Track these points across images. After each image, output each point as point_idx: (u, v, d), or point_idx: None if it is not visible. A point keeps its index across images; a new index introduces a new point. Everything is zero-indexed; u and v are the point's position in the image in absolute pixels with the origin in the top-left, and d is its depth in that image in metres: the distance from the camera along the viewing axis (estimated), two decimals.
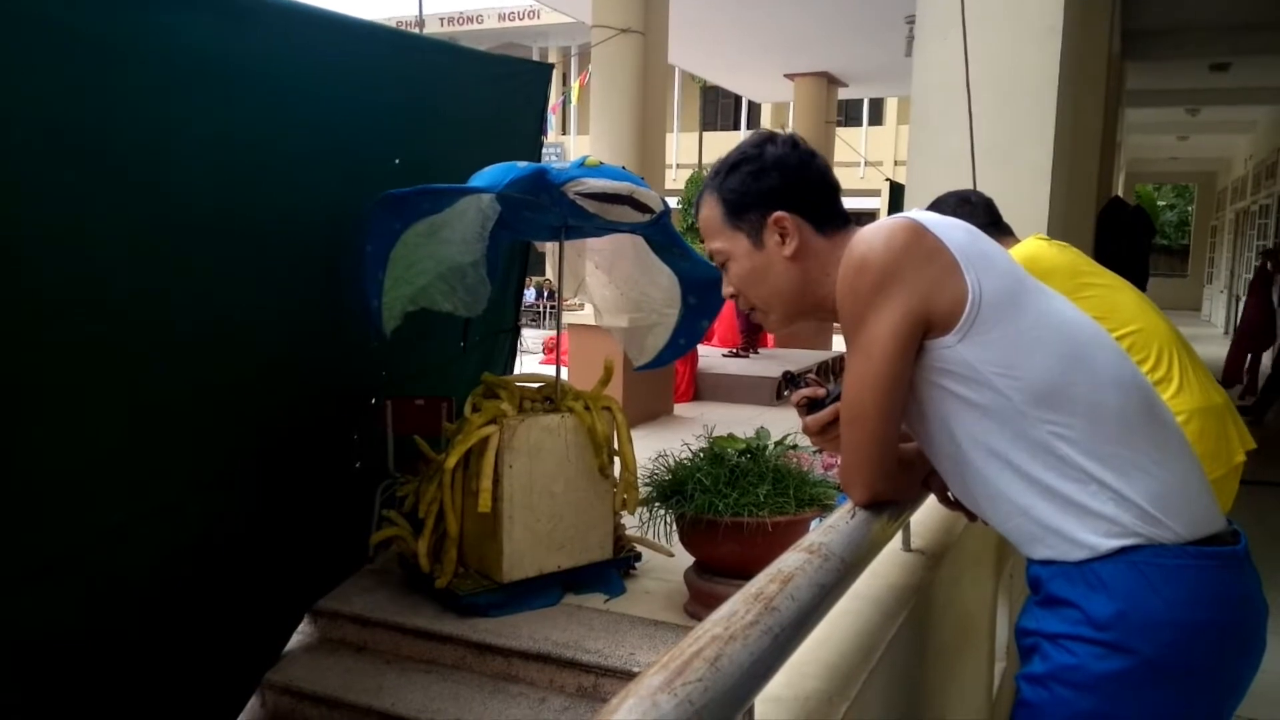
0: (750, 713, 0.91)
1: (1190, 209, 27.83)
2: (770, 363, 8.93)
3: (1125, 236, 6.69)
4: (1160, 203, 31.60)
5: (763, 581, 0.99)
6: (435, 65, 4.00)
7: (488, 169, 3.41)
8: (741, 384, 8.19)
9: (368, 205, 3.23)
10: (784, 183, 1.32)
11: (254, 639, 3.24)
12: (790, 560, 1.05)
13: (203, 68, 2.78)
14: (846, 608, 1.26)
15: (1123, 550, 1.12)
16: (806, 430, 1.39)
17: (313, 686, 3.17)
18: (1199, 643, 1.13)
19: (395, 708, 2.97)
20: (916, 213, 1.25)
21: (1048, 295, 1.24)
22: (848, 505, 1.28)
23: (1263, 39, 8.59)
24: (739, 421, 4.88)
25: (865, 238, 1.21)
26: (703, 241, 1.43)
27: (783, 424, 4.55)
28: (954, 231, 1.21)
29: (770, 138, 1.34)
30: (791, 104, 12.64)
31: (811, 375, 1.42)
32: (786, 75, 11.40)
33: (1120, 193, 15.32)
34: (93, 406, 2.55)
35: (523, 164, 3.37)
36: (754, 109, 24.66)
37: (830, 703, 1.02)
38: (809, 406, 1.37)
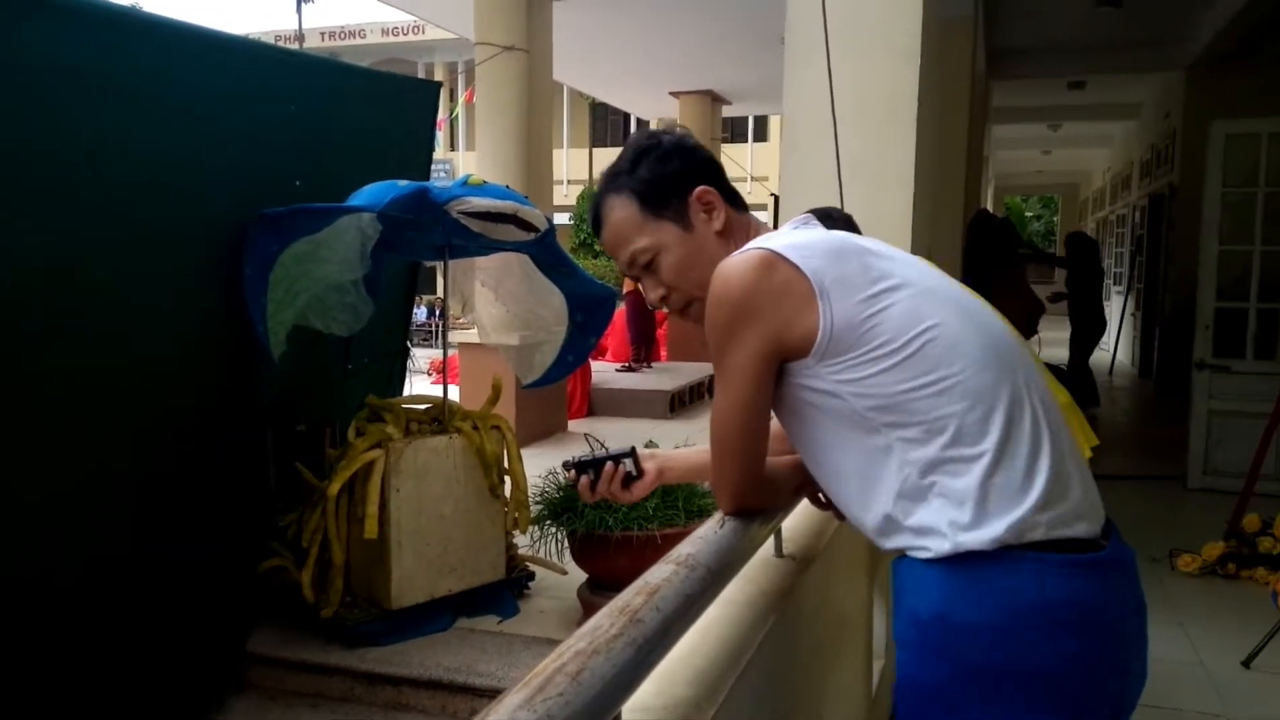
0: None
1: (1055, 219, 29.42)
2: (664, 376, 9.04)
3: (993, 247, 7.03)
4: (1028, 213, 33.28)
5: (629, 595, 1.01)
6: (326, 86, 3.93)
7: (367, 187, 3.36)
8: (635, 398, 8.25)
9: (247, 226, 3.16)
10: (690, 163, 1.36)
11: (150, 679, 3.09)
12: (658, 572, 1.08)
13: (92, 86, 2.69)
14: (718, 615, 1.29)
15: (956, 556, 1.15)
16: (580, 495, 1.49)
17: None
18: (1034, 643, 1.13)
19: None
20: (782, 236, 1.29)
21: (919, 293, 1.22)
22: (717, 516, 1.33)
23: (1115, 59, 9.19)
24: (633, 435, 4.90)
25: (723, 272, 1.23)
26: (596, 257, 1.44)
27: (674, 437, 4.62)
28: (813, 259, 1.21)
29: (654, 132, 1.39)
30: (677, 121, 12.85)
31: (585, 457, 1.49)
32: (671, 93, 11.61)
33: (990, 204, 16.10)
34: None
35: (404, 182, 3.33)
36: (642, 125, 24.95)
37: (699, 708, 1.05)
38: (578, 471, 1.46)
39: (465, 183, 3.46)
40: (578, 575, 3.49)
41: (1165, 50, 9.00)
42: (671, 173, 1.34)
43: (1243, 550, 4.21)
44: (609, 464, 1.45)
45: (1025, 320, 8.27)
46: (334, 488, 3.23)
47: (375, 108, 4.24)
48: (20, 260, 2.59)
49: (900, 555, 1.25)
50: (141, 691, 3.00)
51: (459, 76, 26.08)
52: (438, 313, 19.78)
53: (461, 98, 13.48)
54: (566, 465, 1.47)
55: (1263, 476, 4.52)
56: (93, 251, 2.80)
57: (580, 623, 3.18)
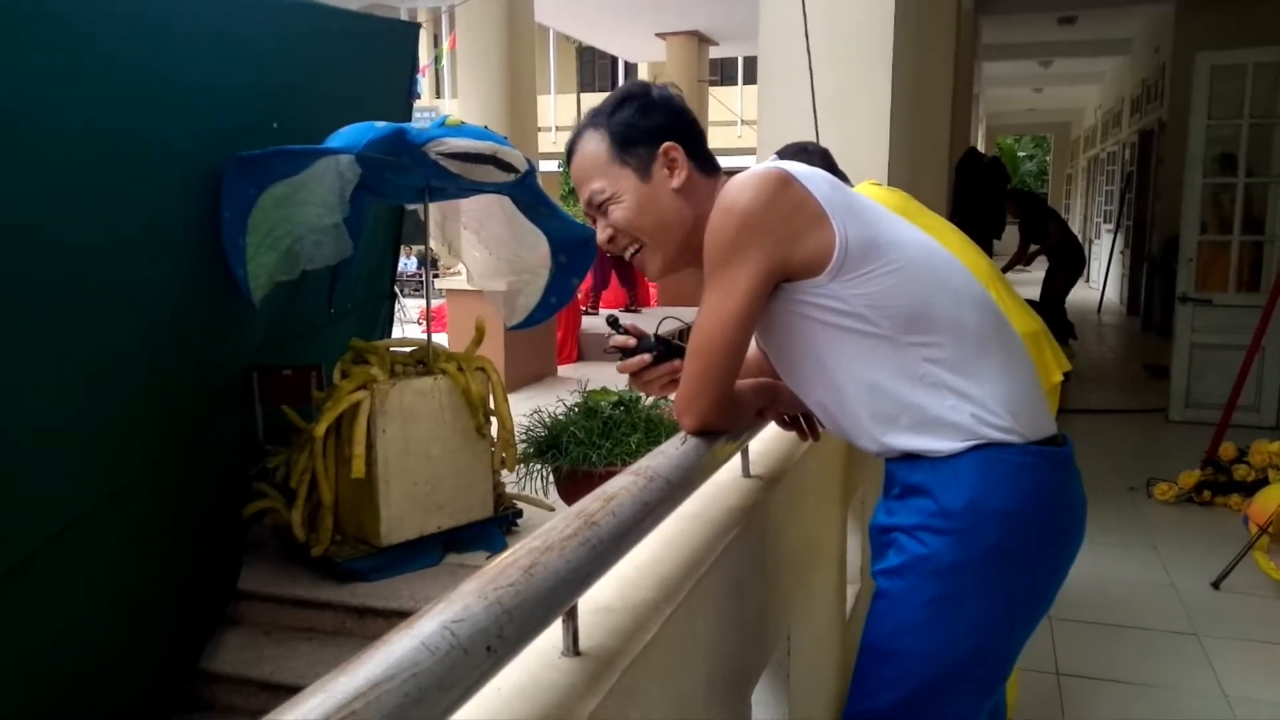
0: (574, 619, 0.98)
1: (1048, 159, 29.25)
2: (654, 320, 9.05)
3: (981, 185, 7.02)
4: (1020, 153, 33.05)
5: (587, 501, 1.05)
6: (306, 27, 3.89)
7: (344, 129, 3.35)
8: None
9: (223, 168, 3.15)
10: (670, 119, 1.38)
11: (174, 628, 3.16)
12: (616, 482, 1.12)
13: (66, 32, 2.63)
14: (681, 529, 1.34)
15: (975, 448, 1.26)
16: (620, 371, 1.47)
17: None
18: (1035, 529, 1.29)
19: (274, 676, 2.97)
20: (785, 163, 1.32)
21: (904, 227, 1.35)
22: (680, 434, 1.36)
23: None
24: (620, 379, 4.95)
25: (736, 184, 1.28)
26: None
27: None
28: (819, 182, 1.29)
29: (645, 84, 1.40)
30: (669, 80, 12.68)
31: (631, 325, 1.49)
32: (658, 34, 11.43)
33: (981, 144, 15.99)
34: None
35: (381, 124, 3.32)
36: (631, 70, 24.60)
37: (657, 609, 1.10)
38: (623, 353, 1.44)
39: (443, 124, 3.45)
40: (564, 512, 3.55)
41: None
42: (646, 125, 1.36)
43: (1218, 478, 4.30)
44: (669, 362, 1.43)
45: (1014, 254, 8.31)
46: (320, 429, 3.27)
47: (353, 49, 4.20)
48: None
49: (902, 459, 1.33)
50: (133, 630, 3.06)
51: (442, 21, 25.64)
52: (424, 262, 19.73)
53: (445, 43, 13.26)
54: (610, 319, 1.46)
55: (1241, 407, 4.60)
56: (59, 204, 2.78)
57: None
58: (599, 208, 1.39)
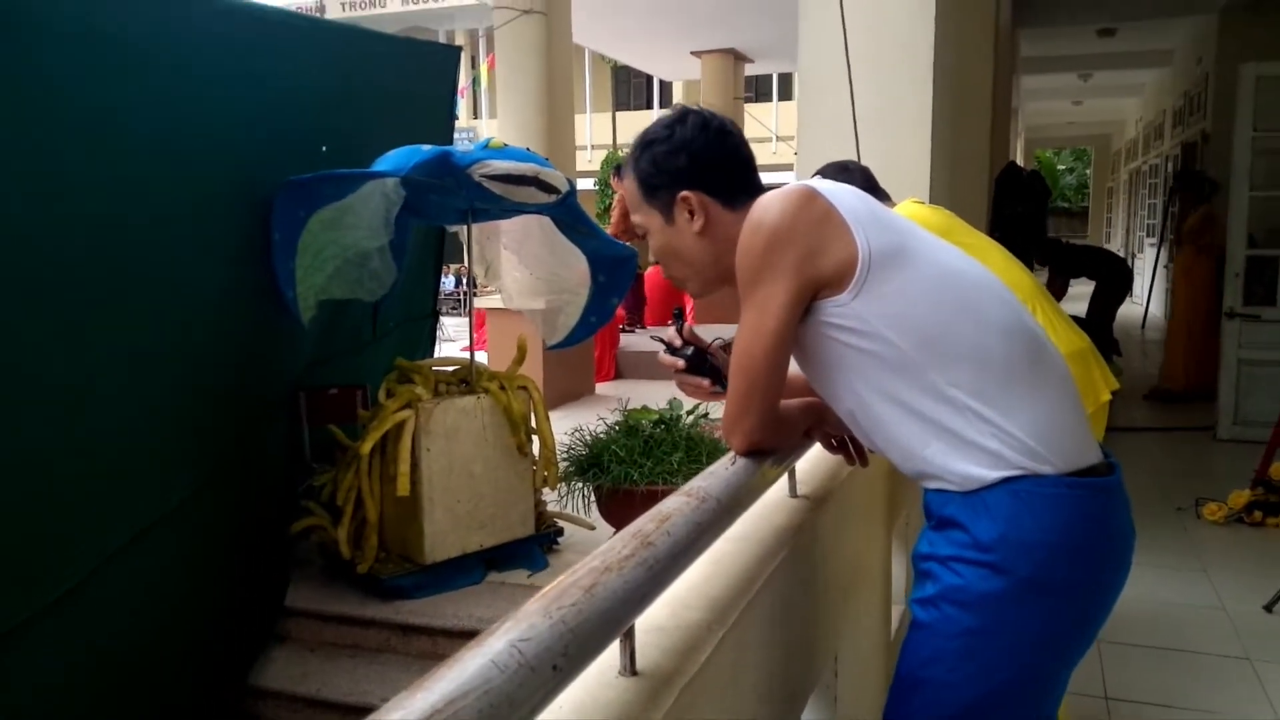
0: (631, 638, 0.99)
1: (1088, 172, 28.90)
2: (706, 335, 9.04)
3: (1022, 200, 6.96)
4: (1060, 166, 32.73)
5: (642, 522, 1.07)
6: (350, 51, 3.98)
7: (391, 153, 3.41)
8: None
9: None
10: (691, 164, 1.40)
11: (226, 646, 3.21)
12: (670, 503, 1.14)
13: (124, 58, 2.72)
14: (730, 549, 1.35)
15: (1005, 480, 1.25)
16: (661, 361, 1.52)
17: None
18: (1070, 560, 1.26)
19: (320, 692, 3.00)
20: (813, 181, 1.36)
21: (939, 248, 1.35)
22: (729, 455, 1.38)
23: (1145, 4, 9.01)
24: (660, 397, 4.96)
25: (763, 204, 1.32)
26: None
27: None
28: (844, 195, 1.32)
29: (681, 117, 1.42)
30: (701, 82, 12.75)
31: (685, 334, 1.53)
32: (693, 53, 11.49)
33: (1020, 158, 15.86)
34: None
35: (427, 147, 3.38)
36: (666, 87, 24.76)
37: (710, 630, 1.11)
38: (671, 350, 1.50)
39: (486, 146, 3.50)
40: (605, 530, 3.57)
41: None
42: (666, 171, 1.40)
43: (1269, 498, 4.21)
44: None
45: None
46: (366, 447, 3.32)
47: (397, 73, 4.28)
48: (60, 233, 2.65)
49: (937, 491, 1.32)
50: (183, 649, 3.12)
51: (480, 43, 25.97)
52: (466, 281, 19.92)
53: (483, 64, 13.44)
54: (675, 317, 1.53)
55: None
56: (125, 223, 2.86)
57: None
58: (643, 238, 1.48)
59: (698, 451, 3.35)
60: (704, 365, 1.49)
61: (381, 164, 3.42)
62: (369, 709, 0.73)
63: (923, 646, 1.33)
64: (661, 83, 24.32)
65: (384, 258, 3.62)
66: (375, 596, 3.35)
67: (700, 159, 1.40)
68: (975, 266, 1.39)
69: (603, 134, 25.04)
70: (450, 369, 3.75)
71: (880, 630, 2.22)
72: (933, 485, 1.33)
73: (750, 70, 12.65)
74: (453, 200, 3.56)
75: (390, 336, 4.47)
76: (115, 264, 2.74)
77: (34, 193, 2.44)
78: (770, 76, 24.19)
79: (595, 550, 0.97)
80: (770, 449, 1.41)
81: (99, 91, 2.64)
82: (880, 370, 1.29)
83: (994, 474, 1.26)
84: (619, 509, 3.37)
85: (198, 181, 3.05)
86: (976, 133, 5.16)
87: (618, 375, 8.14)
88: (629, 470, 3.24)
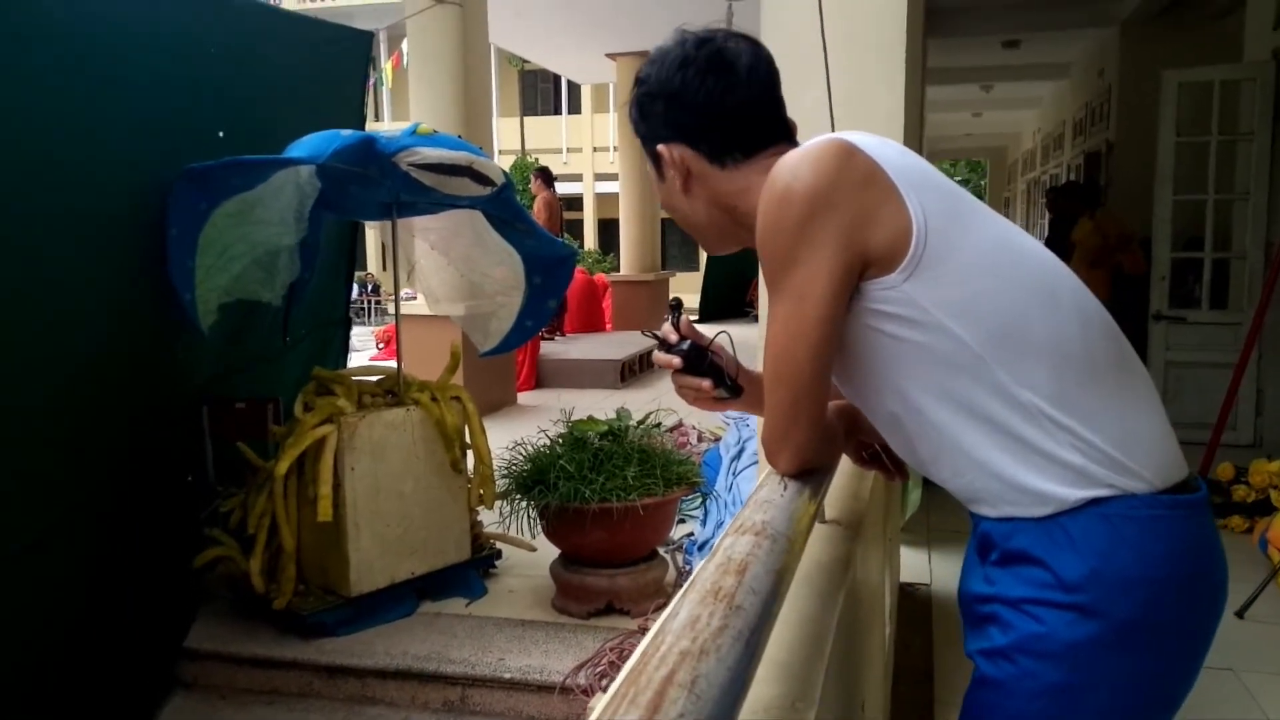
0: None
1: (984, 183, 29.87)
2: (612, 345, 8.80)
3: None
4: (956, 178, 33.78)
5: (716, 575, 0.81)
6: (255, 29, 3.61)
7: (307, 138, 3.07)
8: (584, 369, 8.01)
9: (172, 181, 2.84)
10: (668, 112, 1.17)
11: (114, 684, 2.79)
12: (739, 546, 0.88)
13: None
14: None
15: (1092, 502, 1.01)
16: (656, 360, 1.26)
17: None
18: (1175, 598, 1.03)
19: None
20: (845, 133, 1.09)
21: (993, 215, 1.09)
22: (775, 477, 1.12)
23: (1051, 16, 9.20)
24: (588, 406, 4.70)
25: (788, 165, 1.04)
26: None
27: (636, 405, 4.41)
28: (888, 152, 1.05)
29: (668, 50, 1.16)
30: (613, 85, 12.55)
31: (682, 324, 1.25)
32: (608, 55, 11.27)
33: None
34: None
35: (347, 132, 3.05)
36: (574, 91, 24.47)
37: (795, 709, 0.85)
38: (665, 347, 1.24)
39: (414, 132, 3.19)
40: (547, 553, 3.28)
41: (1099, 6, 9.06)
42: (646, 122, 1.20)
43: (1216, 499, 4.19)
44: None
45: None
46: (282, 467, 2.96)
47: (302, 55, 3.92)
48: None
49: (1000, 520, 1.07)
50: (63, 695, 2.70)
51: (381, 44, 25.19)
52: (370, 288, 19.22)
53: (387, 64, 12.93)
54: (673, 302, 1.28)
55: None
56: (28, 227, 2.48)
57: (555, 601, 2.96)
58: None
59: (651, 465, 3.09)
60: (703, 364, 1.23)
61: (295, 150, 3.07)
62: None
63: (995, 711, 1.08)
64: (570, 86, 24.05)
65: (291, 257, 3.25)
66: (294, 635, 2.99)
67: (674, 105, 1.16)
68: (1032, 239, 1.13)
69: (511, 139, 24.59)
70: (375, 379, 3.41)
71: (881, 663, 2.01)
72: (992, 511, 1.09)
73: None
74: (375, 192, 3.22)
75: (300, 346, 4.08)
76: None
77: None
78: None
79: (674, 624, 0.70)
80: (818, 466, 1.16)
81: None
82: (935, 367, 1.04)
83: (1078, 493, 1.02)
84: (566, 529, 3.08)
85: (70, 168, 2.65)
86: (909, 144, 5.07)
87: (539, 384, 7.82)
88: (579, 487, 2.96)
